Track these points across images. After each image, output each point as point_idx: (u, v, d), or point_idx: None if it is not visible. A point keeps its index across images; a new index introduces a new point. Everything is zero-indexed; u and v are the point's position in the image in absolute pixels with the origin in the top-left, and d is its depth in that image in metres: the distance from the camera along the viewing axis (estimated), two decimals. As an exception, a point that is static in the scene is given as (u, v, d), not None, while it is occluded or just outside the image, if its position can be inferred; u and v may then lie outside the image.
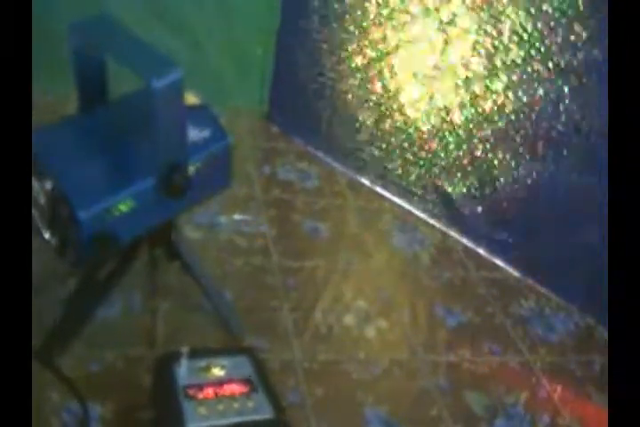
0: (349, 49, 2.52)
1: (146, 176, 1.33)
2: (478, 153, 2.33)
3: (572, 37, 1.97)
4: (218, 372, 1.36)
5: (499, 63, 2.16)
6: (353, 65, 2.53)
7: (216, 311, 1.78)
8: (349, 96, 2.60)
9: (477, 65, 2.22)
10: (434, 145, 2.44)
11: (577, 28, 1.95)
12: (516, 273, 2.37)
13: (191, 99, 1.40)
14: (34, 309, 0.94)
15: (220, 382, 1.33)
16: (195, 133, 1.39)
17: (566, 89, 2.04)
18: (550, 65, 2.05)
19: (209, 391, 1.31)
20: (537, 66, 2.08)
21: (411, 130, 2.47)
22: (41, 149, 1.25)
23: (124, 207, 1.30)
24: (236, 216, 2.29)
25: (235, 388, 1.32)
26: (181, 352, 1.35)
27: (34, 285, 0.96)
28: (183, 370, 1.33)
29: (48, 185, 1.26)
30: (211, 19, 2.62)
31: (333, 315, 1.99)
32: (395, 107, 2.49)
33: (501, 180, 2.30)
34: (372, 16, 2.40)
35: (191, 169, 1.37)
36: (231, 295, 1.94)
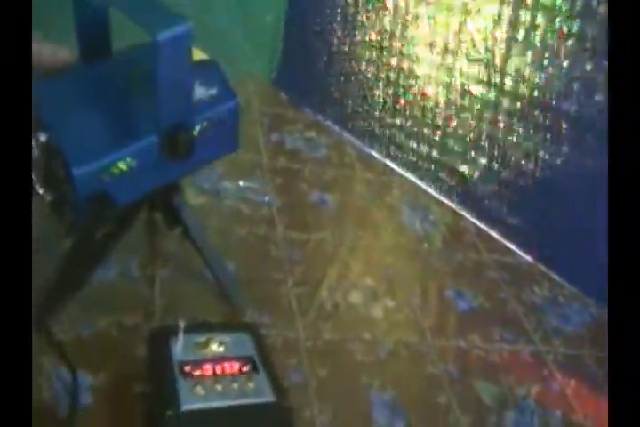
0: (364, 19, 2.47)
1: (148, 134, 1.26)
2: (495, 131, 2.27)
3: (601, 15, 1.89)
4: (217, 348, 1.29)
5: (520, 37, 2.10)
6: (367, 36, 2.48)
7: (217, 282, 1.73)
8: (363, 68, 2.55)
9: (498, 39, 2.15)
10: (449, 121, 2.39)
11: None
12: (529, 258, 2.30)
13: (198, 54, 1.33)
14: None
15: (218, 360, 1.27)
16: (201, 91, 1.33)
17: (592, 67, 1.96)
18: (576, 41, 1.98)
19: (207, 369, 1.24)
20: (562, 42, 2.01)
21: (426, 104, 2.42)
22: (36, 100, 1.16)
23: (123, 166, 1.24)
24: (242, 183, 2.25)
25: (235, 367, 1.26)
26: (178, 326, 1.29)
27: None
28: (179, 345, 1.27)
29: (42, 137, 1.19)
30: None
31: (339, 292, 1.93)
32: (410, 80, 2.44)
33: (518, 160, 2.24)
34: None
35: (196, 129, 1.32)
36: (233, 266, 1.88)
